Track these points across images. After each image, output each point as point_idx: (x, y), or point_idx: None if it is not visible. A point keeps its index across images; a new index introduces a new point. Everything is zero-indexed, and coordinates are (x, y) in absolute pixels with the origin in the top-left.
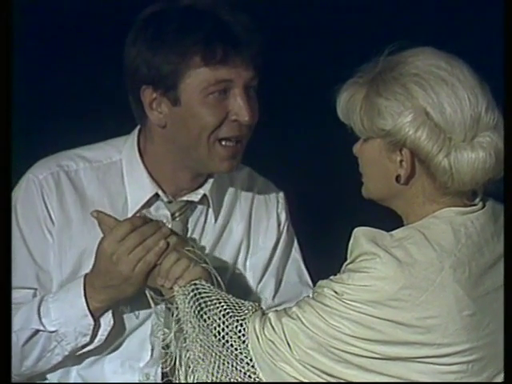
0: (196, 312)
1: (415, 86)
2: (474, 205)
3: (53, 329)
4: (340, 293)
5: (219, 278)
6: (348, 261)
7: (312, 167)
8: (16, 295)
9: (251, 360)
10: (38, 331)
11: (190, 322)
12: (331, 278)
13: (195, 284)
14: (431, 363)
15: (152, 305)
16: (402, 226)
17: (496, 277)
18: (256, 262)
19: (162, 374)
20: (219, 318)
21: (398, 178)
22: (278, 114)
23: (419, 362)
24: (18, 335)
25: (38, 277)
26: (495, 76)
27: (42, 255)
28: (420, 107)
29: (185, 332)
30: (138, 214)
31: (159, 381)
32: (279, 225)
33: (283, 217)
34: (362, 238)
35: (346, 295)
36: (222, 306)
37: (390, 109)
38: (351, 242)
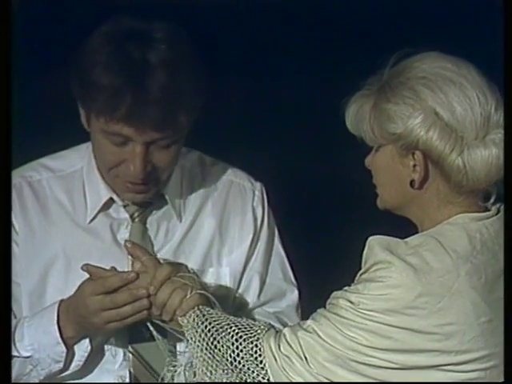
0: (210, 343)
1: (423, 87)
2: (488, 210)
3: (27, 354)
4: (356, 303)
5: (217, 303)
6: (362, 270)
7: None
8: None
9: (268, 380)
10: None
11: (201, 356)
12: (345, 288)
13: (203, 315)
14: (449, 371)
15: (154, 333)
16: (413, 233)
17: None
18: (234, 258)
19: (129, 373)
20: (232, 344)
21: (412, 183)
22: (282, 119)
23: (437, 370)
24: None
25: None
26: (495, 77)
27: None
28: (429, 108)
29: (194, 366)
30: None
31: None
32: (255, 219)
33: (259, 210)
34: (376, 246)
35: (362, 305)
36: (234, 331)
37: (400, 112)
38: (365, 251)
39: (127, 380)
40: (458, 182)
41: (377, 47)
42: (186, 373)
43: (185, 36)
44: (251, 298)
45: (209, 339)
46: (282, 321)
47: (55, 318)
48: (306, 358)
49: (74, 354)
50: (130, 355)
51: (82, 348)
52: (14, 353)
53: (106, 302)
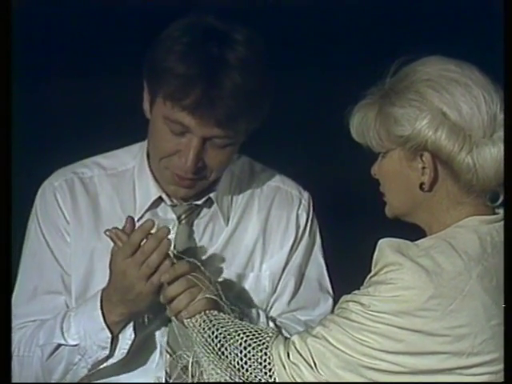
0: (217, 349)
1: (428, 89)
2: (496, 213)
3: (74, 342)
4: (367, 305)
5: (227, 307)
6: (372, 273)
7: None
8: (49, 304)
9: None
10: (60, 345)
11: (208, 360)
12: (355, 292)
13: (210, 320)
14: (459, 374)
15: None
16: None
17: None
18: (273, 263)
19: (166, 373)
20: (240, 352)
21: (422, 186)
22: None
23: (448, 373)
24: (43, 350)
25: (63, 280)
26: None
27: (65, 258)
28: (436, 108)
29: (201, 365)
30: (145, 220)
31: None
32: (298, 226)
33: (303, 218)
34: (387, 249)
35: (374, 307)
36: (242, 338)
37: (407, 115)
38: (376, 253)
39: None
40: (467, 181)
41: (383, 52)
42: (194, 369)
43: (262, 44)
44: (283, 303)
45: (216, 345)
46: None
47: (98, 303)
48: (315, 364)
49: (118, 341)
50: (167, 355)
51: (126, 336)
52: (62, 341)
53: (138, 256)
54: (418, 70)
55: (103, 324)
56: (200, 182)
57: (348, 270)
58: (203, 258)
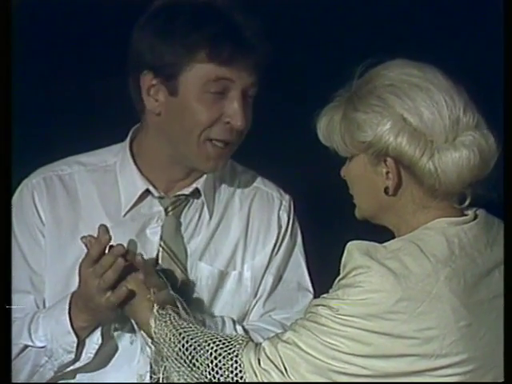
0: (188, 361)
1: (390, 95)
2: (465, 214)
3: (41, 344)
4: (336, 308)
5: (184, 305)
6: (340, 276)
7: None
8: (18, 303)
9: None
10: (27, 346)
11: (179, 371)
12: (324, 295)
13: (180, 333)
14: (429, 376)
15: (136, 330)
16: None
17: (490, 287)
18: (256, 263)
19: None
20: (211, 362)
21: (386, 190)
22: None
23: (417, 375)
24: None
25: (31, 280)
26: (495, 78)
27: (35, 258)
28: (397, 114)
29: (172, 380)
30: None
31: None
32: (280, 227)
33: (285, 220)
34: (355, 251)
35: (342, 310)
36: (212, 348)
37: (369, 121)
38: (344, 256)
39: (147, 379)
40: (431, 185)
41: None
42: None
43: None
44: (261, 304)
45: (187, 357)
46: (286, 328)
47: (67, 308)
48: (286, 369)
49: (84, 345)
50: (153, 347)
51: (93, 340)
52: (29, 343)
53: (97, 269)
54: (381, 75)
55: (69, 328)
56: (233, 148)
57: (327, 272)
58: (188, 251)
